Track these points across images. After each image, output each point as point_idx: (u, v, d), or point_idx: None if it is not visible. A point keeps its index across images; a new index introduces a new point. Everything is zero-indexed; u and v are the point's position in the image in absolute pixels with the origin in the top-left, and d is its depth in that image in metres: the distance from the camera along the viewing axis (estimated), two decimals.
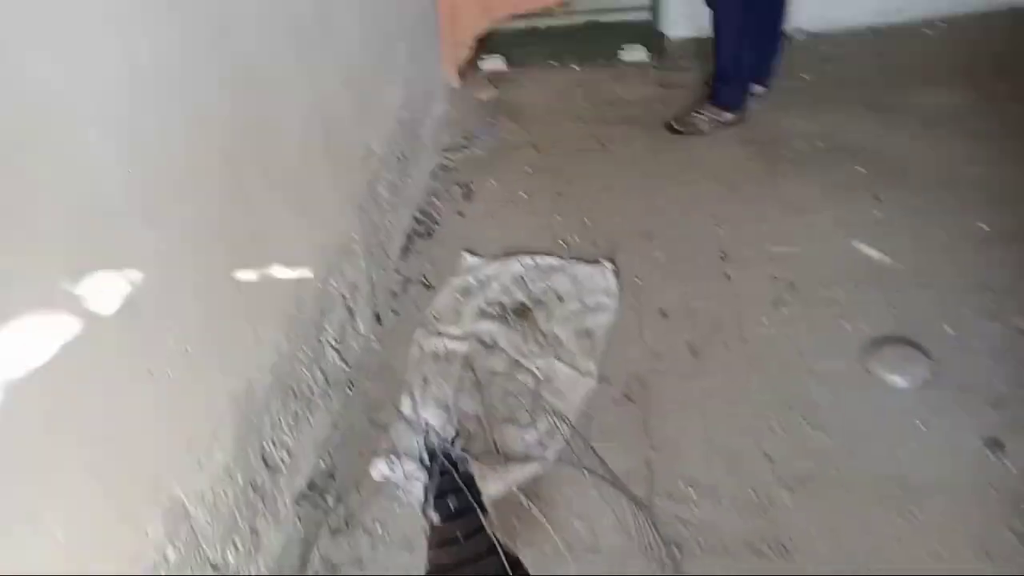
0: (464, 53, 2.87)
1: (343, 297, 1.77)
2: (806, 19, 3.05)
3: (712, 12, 2.44)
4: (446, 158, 2.59)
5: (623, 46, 3.00)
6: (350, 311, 1.80)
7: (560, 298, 1.94)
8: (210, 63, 1.24)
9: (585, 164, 2.48)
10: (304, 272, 1.57)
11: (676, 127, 2.56)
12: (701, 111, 2.55)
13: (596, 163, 2.49)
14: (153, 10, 1.08)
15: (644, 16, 3.04)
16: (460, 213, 2.34)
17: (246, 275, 1.34)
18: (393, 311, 2.00)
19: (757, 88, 2.63)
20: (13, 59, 0.83)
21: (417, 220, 2.31)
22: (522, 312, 1.91)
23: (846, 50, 2.89)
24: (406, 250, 2.21)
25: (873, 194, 2.11)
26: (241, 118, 1.34)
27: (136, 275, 1.03)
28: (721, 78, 2.51)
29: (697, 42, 3.11)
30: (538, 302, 1.93)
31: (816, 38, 3.02)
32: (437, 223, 2.31)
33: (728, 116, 2.53)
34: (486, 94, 2.92)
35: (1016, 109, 2.36)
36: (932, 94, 2.51)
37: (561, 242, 2.15)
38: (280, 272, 1.47)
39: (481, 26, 2.83)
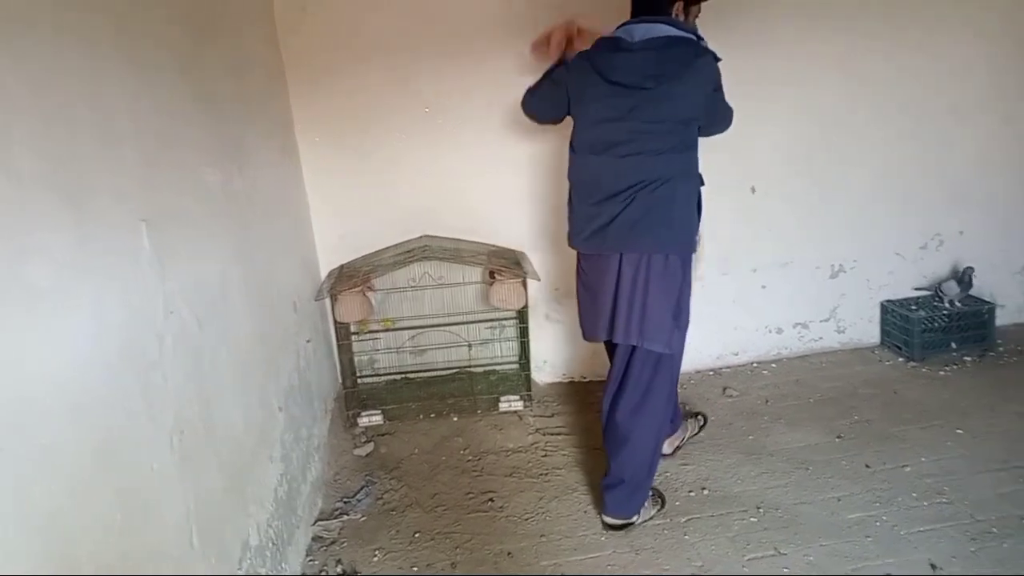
0: None
1: None
2: None
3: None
4: (322, 529, 2.34)
5: (500, 395, 3.06)
6: None
7: None
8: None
9: (477, 525, 2.33)
10: None
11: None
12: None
13: (488, 522, 2.34)
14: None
15: (515, 366, 3.18)
16: None
17: None
18: None
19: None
20: None
21: None
22: None
23: (698, 391, 3.14)
24: None
25: (774, 547, 2.11)
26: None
27: None
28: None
29: (563, 386, 3.28)
30: None
31: None
32: None
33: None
34: (364, 450, 2.79)
35: (865, 444, 2.59)
36: (791, 434, 2.71)
37: None
38: None
39: None
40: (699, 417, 2.80)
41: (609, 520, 2.26)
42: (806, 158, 3.20)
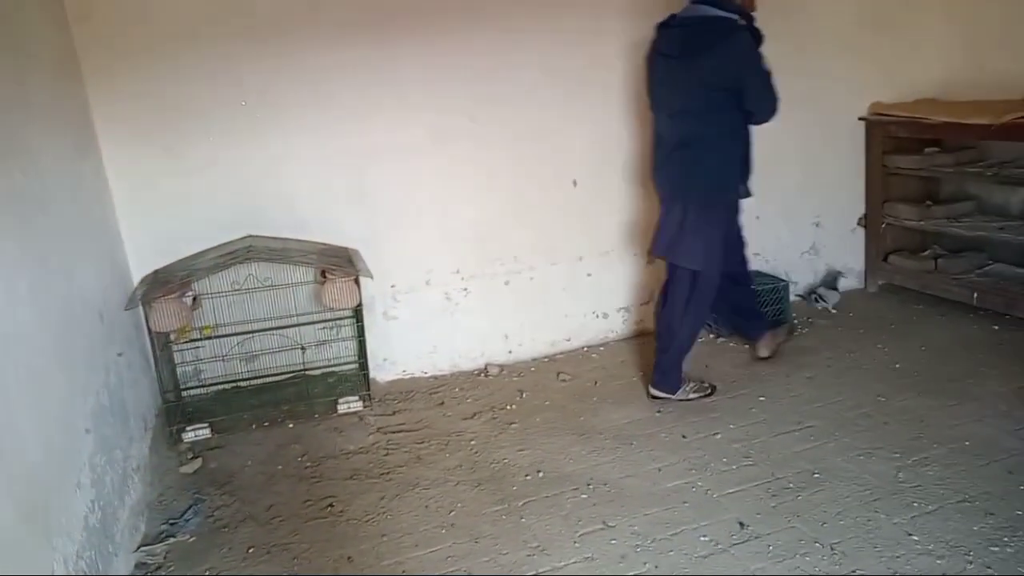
0: None
1: None
2: (494, 354, 3.43)
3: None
4: (146, 555, 2.18)
5: (338, 397, 2.99)
6: None
7: None
8: None
9: (316, 532, 2.27)
10: None
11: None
12: None
13: (328, 528, 2.29)
14: None
15: (353, 366, 3.12)
16: None
17: None
18: None
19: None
20: None
21: None
22: None
23: (535, 378, 3.26)
24: None
25: (603, 520, 2.24)
26: None
27: None
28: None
29: (404, 382, 3.27)
30: None
31: (506, 369, 3.37)
32: None
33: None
34: (191, 467, 2.62)
35: (681, 417, 2.81)
36: (618, 412, 2.88)
37: None
38: None
39: None
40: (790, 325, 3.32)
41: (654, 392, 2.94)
42: (619, 153, 3.40)
